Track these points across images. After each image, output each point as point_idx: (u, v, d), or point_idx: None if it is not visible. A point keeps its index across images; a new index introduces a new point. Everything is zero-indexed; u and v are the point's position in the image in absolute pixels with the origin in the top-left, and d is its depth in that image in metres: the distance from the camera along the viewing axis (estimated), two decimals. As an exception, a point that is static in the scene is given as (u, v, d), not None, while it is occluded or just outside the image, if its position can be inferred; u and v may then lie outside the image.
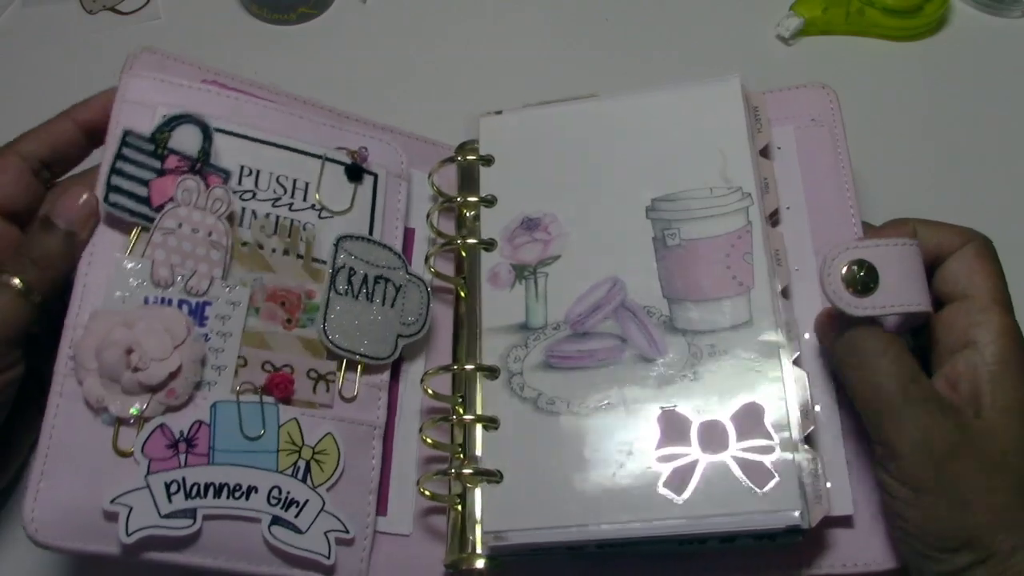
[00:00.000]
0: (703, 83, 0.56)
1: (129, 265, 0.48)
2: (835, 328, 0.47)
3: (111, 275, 0.48)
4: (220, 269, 0.50)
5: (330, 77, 0.63)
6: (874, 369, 0.45)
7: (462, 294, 0.56)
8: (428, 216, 0.57)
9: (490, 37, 0.71)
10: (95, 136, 0.52)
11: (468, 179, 0.59)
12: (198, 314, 0.49)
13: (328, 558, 0.47)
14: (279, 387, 0.49)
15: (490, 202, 0.56)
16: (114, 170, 0.49)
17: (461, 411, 0.52)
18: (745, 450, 0.47)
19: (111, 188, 0.49)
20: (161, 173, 0.50)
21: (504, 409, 0.51)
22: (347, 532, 0.48)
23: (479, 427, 0.51)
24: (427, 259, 0.56)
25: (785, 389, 0.48)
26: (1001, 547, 0.41)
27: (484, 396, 0.52)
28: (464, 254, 0.57)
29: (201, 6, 0.71)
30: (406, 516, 0.52)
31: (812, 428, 0.48)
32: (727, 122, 0.54)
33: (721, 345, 0.49)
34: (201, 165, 0.51)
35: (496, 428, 0.51)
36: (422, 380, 0.53)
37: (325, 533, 0.48)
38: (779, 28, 0.70)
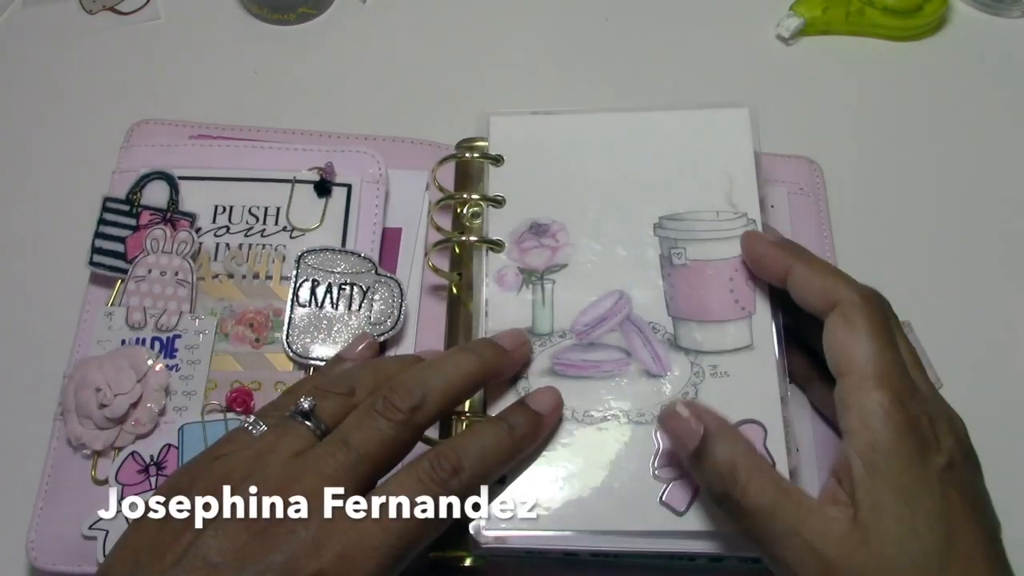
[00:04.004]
0: (714, 108, 0.55)
1: (108, 314, 0.54)
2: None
3: (96, 326, 0.54)
4: (188, 303, 0.54)
5: (330, 77, 0.64)
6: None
7: (455, 290, 0.56)
8: (429, 212, 0.58)
9: (490, 38, 0.71)
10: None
11: (466, 176, 0.59)
12: (169, 347, 0.53)
13: (296, 560, 0.48)
14: (237, 401, 0.51)
15: (499, 202, 0.56)
16: (98, 234, 0.55)
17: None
18: None
19: (95, 251, 0.55)
20: (136, 229, 0.55)
21: None
22: (316, 533, 0.49)
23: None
24: (427, 254, 0.57)
25: (783, 415, 0.47)
26: None
27: (489, 398, 0.51)
28: (457, 251, 0.57)
29: (201, 6, 0.71)
30: (388, 512, 0.51)
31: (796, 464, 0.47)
32: (735, 149, 0.54)
33: (723, 366, 0.49)
34: (171, 214, 0.56)
35: None
36: None
37: (293, 536, 0.49)
38: (779, 28, 0.70)
